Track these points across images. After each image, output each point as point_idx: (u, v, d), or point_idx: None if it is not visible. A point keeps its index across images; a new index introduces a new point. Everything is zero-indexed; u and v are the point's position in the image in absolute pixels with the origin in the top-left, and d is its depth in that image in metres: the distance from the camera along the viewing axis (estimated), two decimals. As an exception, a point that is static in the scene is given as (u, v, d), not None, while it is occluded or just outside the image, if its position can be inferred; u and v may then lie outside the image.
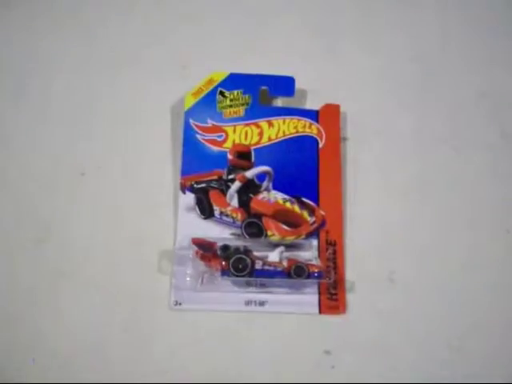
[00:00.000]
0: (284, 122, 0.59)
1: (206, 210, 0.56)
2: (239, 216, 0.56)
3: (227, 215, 0.56)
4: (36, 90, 0.62)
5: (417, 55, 0.65)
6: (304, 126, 0.59)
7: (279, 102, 0.62)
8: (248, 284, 0.53)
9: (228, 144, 0.58)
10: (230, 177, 0.57)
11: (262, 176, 0.57)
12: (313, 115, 0.59)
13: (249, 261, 0.52)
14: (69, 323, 0.53)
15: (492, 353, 0.53)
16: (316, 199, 0.57)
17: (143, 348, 0.52)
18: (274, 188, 0.57)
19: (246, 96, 0.60)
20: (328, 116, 0.60)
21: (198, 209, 0.56)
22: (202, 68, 0.61)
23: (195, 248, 0.53)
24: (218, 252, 0.52)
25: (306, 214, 0.56)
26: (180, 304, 0.53)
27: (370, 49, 0.65)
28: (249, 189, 0.57)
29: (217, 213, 0.56)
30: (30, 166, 0.59)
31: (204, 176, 0.57)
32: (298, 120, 0.59)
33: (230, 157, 0.58)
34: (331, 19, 0.67)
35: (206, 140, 0.58)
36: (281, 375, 0.51)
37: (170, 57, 0.64)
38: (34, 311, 0.53)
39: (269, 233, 0.55)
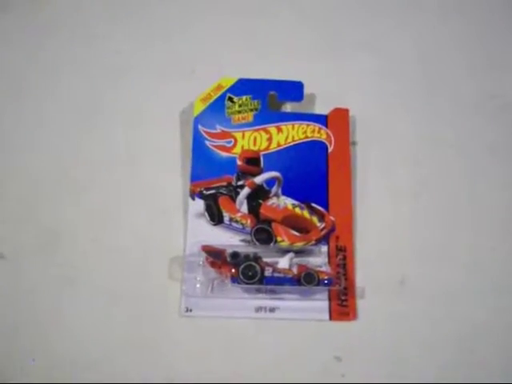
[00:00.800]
0: (293, 128, 0.59)
1: (215, 217, 0.56)
2: (249, 222, 0.55)
3: (237, 221, 0.56)
4: (41, 96, 0.62)
5: (425, 58, 0.65)
6: (313, 131, 0.59)
7: (288, 106, 0.61)
8: (258, 291, 0.53)
9: (237, 150, 0.58)
10: (240, 183, 0.57)
11: (271, 182, 0.57)
12: (322, 120, 0.59)
13: (258, 268, 0.52)
14: (77, 331, 0.53)
15: (505, 356, 0.52)
16: (326, 204, 0.56)
17: (153, 355, 0.52)
18: (284, 193, 0.57)
19: (255, 101, 0.59)
20: (337, 120, 0.59)
21: (207, 215, 0.56)
22: (210, 72, 0.61)
23: (205, 255, 0.53)
24: (228, 259, 0.52)
25: (315, 219, 0.55)
26: (190, 310, 0.53)
27: (378, 52, 0.65)
28: (258, 195, 0.57)
29: (226, 219, 0.56)
30: (37, 170, 0.59)
31: (213, 182, 0.57)
32: (307, 125, 0.59)
33: (239, 163, 0.58)
34: (339, 23, 0.67)
35: (215, 146, 0.58)
36: (291, 381, 0.51)
37: (178, 61, 0.64)
38: (40, 318, 0.53)
39: (278, 239, 0.55)
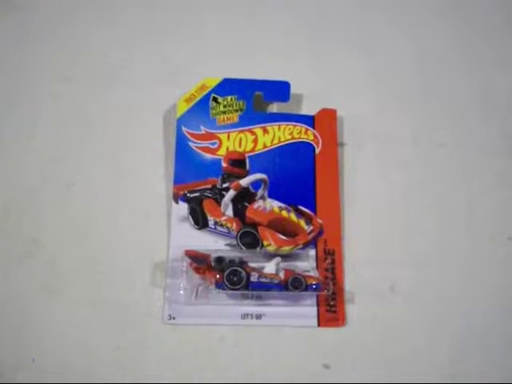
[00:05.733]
0: (279, 128, 0.58)
1: (199, 220, 0.55)
2: (234, 226, 0.54)
3: (222, 225, 0.54)
4: (23, 100, 0.61)
5: (415, 57, 0.64)
6: (300, 132, 0.58)
7: (274, 107, 0.60)
8: (244, 297, 0.51)
9: (222, 151, 0.57)
10: (225, 185, 0.56)
11: (257, 184, 0.56)
12: (309, 120, 0.58)
13: (244, 273, 0.50)
14: (58, 340, 0.51)
15: (495, 364, 0.51)
16: (313, 207, 0.55)
17: (136, 364, 0.50)
18: (270, 196, 0.56)
19: (240, 102, 0.58)
20: (324, 121, 0.58)
21: (191, 219, 0.55)
22: (194, 73, 0.60)
23: (189, 260, 0.51)
24: (212, 264, 0.51)
25: (302, 222, 0.54)
26: (174, 318, 0.51)
27: (366, 51, 0.64)
28: (244, 197, 0.55)
29: (211, 223, 0.55)
30: (17, 176, 0.57)
31: (197, 185, 0.56)
32: (294, 126, 0.58)
33: (224, 164, 0.56)
34: (327, 22, 0.66)
35: (199, 147, 0.57)
36: (279, 390, 0.50)
37: (161, 61, 0.63)
38: (21, 329, 0.51)
39: (265, 242, 0.53)
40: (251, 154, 0.57)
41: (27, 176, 0.57)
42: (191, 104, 0.58)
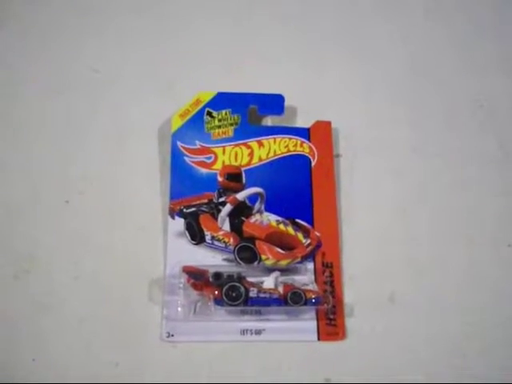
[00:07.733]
0: (275, 142, 0.57)
1: (196, 236, 0.54)
2: (231, 240, 0.54)
3: (219, 240, 0.54)
4: (15, 115, 0.60)
5: (410, 67, 0.64)
6: (295, 145, 0.57)
7: (269, 120, 0.60)
8: (243, 312, 0.51)
9: (217, 166, 0.56)
10: (221, 200, 0.55)
11: (253, 198, 0.55)
12: (304, 133, 0.58)
13: (242, 289, 0.50)
14: (55, 359, 0.50)
15: (496, 373, 0.51)
16: (310, 220, 0.55)
17: (136, 382, 0.49)
18: (267, 210, 0.55)
19: (235, 116, 0.58)
20: (319, 133, 0.58)
21: (188, 234, 0.54)
22: (188, 87, 0.60)
23: (186, 276, 0.51)
24: (210, 280, 0.50)
25: (300, 235, 0.54)
26: (172, 335, 0.50)
27: (360, 62, 0.64)
28: (240, 212, 0.55)
29: (208, 238, 0.54)
30: (11, 194, 0.56)
31: (193, 200, 0.55)
32: (289, 139, 0.58)
33: (220, 179, 0.56)
34: (320, 33, 0.66)
35: (195, 162, 0.57)
36: (280, 407, 0.49)
37: (154, 77, 0.62)
38: (16, 347, 0.51)
39: (263, 257, 0.53)
40: (247, 167, 0.56)
41: (22, 192, 0.56)
42: (186, 119, 0.58)
